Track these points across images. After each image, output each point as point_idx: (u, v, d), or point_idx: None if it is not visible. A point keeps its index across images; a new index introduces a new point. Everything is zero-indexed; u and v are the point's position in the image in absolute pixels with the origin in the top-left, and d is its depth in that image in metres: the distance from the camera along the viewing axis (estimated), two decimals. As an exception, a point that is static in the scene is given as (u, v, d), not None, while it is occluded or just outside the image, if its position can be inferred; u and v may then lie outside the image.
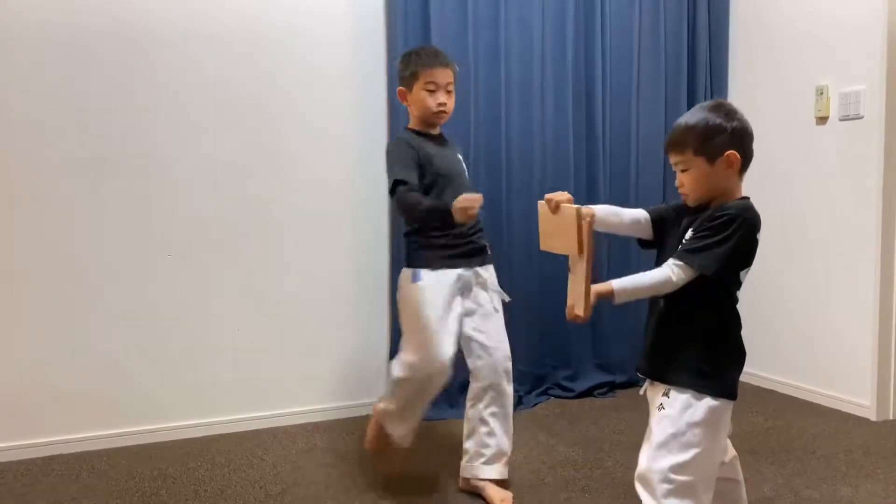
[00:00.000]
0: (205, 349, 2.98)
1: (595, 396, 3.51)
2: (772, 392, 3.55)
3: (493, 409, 2.36)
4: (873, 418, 3.13)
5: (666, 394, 1.61)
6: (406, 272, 2.35)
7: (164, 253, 2.90)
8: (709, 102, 1.68)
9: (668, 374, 1.62)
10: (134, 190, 2.84)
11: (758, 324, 3.50)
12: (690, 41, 3.76)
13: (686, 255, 1.56)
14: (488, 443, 2.35)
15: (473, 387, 2.38)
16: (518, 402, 3.32)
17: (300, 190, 3.11)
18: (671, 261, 1.57)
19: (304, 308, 3.14)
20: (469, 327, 2.35)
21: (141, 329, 2.88)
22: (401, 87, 2.38)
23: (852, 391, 3.24)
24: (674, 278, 1.55)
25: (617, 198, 3.60)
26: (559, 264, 3.54)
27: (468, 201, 2.11)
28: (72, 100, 2.74)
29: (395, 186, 2.24)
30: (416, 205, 2.21)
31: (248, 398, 3.07)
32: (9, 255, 2.69)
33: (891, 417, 3.15)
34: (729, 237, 1.54)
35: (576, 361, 3.58)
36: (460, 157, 2.46)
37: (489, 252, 2.43)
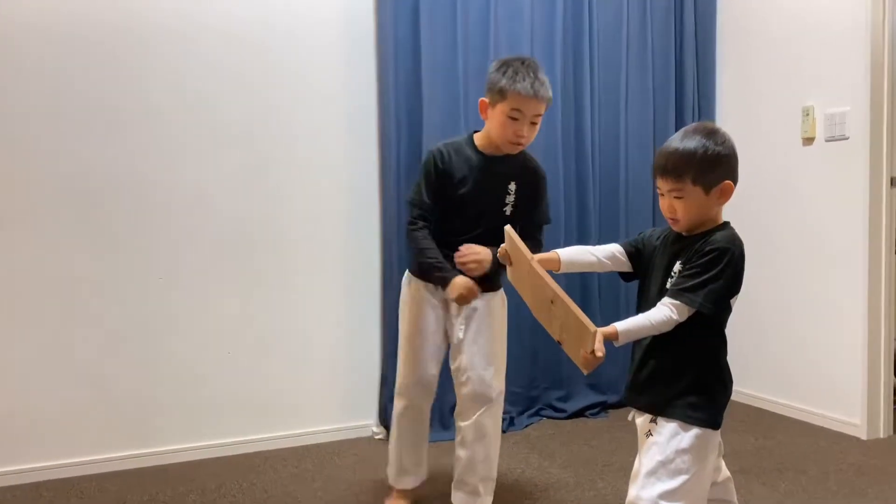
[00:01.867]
0: (196, 372, 2.97)
1: (587, 416, 3.51)
2: (762, 411, 3.55)
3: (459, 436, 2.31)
4: (864, 437, 3.14)
5: (654, 420, 1.61)
6: (406, 275, 2.36)
7: (156, 276, 2.90)
8: (700, 126, 1.62)
9: (656, 406, 1.62)
10: (125, 212, 2.84)
11: (747, 342, 3.52)
12: (678, 65, 3.81)
13: (683, 294, 1.54)
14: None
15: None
16: (510, 423, 3.32)
17: (291, 212, 3.11)
18: (668, 300, 1.56)
19: (294, 331, 3.14)
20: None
21: (131, 352, 2.87)
22: (484, 99, 2.16)
23: (843, 410, 3.25)
24: (675, 317, 1.54)
25: (607, 220, 3.62)
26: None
27: (466, 290, 2.10)
28: (63, 120, 2.74)
29: (410, 209, 2.25)
30: (418, 251, 2.19)
31: (239, 421, 3.05)
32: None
33: (881, 436, 3.16)
34: (722, 272, 1.53)
35: (567, 382, 3.58)
36: (512, 189, 2.21)
37: (491, 280, 2.25)
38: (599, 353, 1.43)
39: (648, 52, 3.71)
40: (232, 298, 3.02)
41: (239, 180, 3.02)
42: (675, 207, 1.60)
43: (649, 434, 1.60)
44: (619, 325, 1.54)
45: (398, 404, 2.38)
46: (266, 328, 3.09)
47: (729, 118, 3.76)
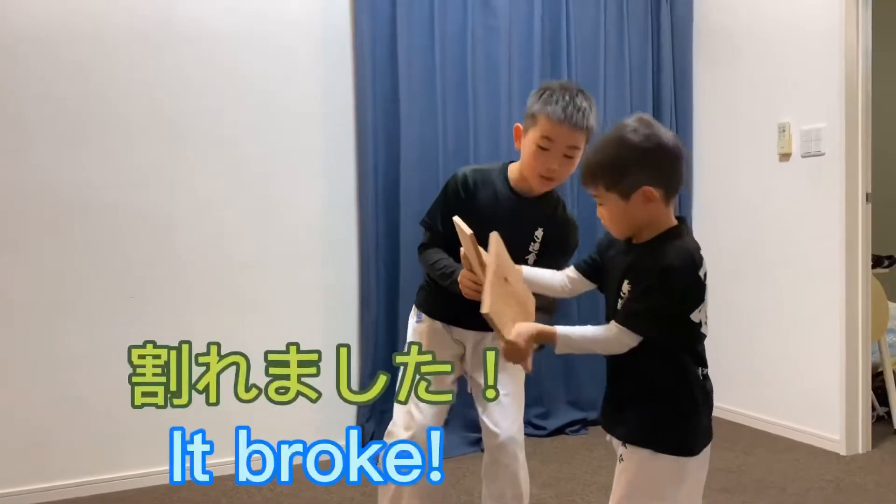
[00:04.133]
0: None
1: (567, 434, 3.48)
2: (743, 427, 3.55)
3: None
4: (843, 452, 3.14)
5: (625, 445, 1.52)
6: (413, 310, 2.14)
7: (126, 295, 2.84)
8: (628, 121, 1.48)
9: (624, 430, 1.52)
10: (99, 232, 2.79)
11: (727, 358, 3.51)
12: (655, 83, 3.83)
13: (629, 319, 1.44)
14: None
15: None
16: (490, 442, 3.28)
17: (266, 231, 3.06)
18: (614, 324, 1.46)
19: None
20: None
21: (100, 373, 2.80)
22: (519, 125, 1.91)
23: (822, 425, 3.25)
24: (626, 341, 1.45)
25: (584, 233, 3.60)
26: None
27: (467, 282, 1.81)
28: (34, 142, 2.69)
29: (424, 232, 2.05)
30: (430, 266, 1.99)
31: (213, 444, 2.97)
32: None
33: (860, 451, 3.16)
34: (671, 292, 1.42)
35: (547, 399, 3.55)
36: (539, 236, 1.95)
37: None
38: (520, 345, 1.42)
39: (626, 73, 3.73)
40: (203, 317, 2.95)
41: (218, 199, 2.98)
42: (602, 214, 1.52)
43: (621, 459, 1.53)
44: (561, 329, 1.46)
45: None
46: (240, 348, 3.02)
47: (706, 135, 3.77)
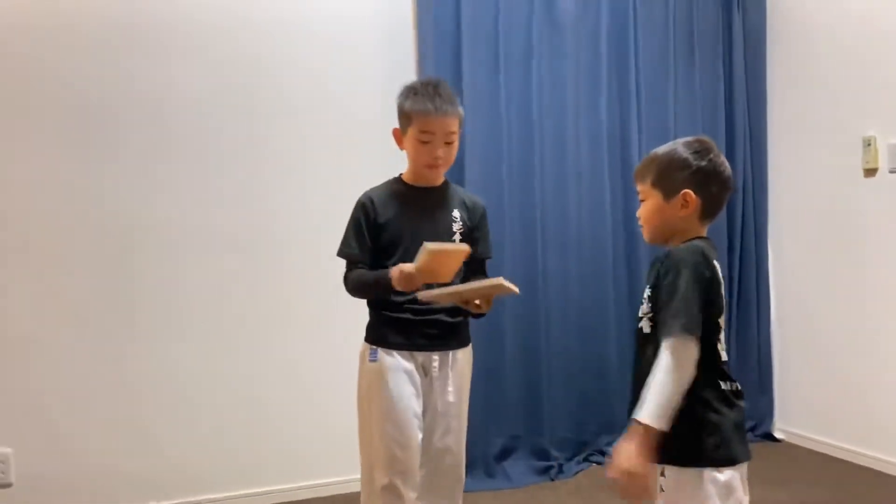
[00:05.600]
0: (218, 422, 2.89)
1: (640, 463, 3.33)
2: (832, 458, 3.31)
3: None
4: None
5: (662, 472, 1.44)
6: (363, 347, 2.03)
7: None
8: (690, 137, 1.58)
9: (656, 451, 1.41)
10: (134, 251, 2.79)
11: (813, 385, 3.33)
12: (727, 93, 3.69)
13: (666, 330, 1.40)
14: None
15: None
16: (559, 471, 3.18)
17: (328, 245, 3.02)
18: (664, 344, 1.40)
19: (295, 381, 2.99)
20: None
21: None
22: (397, 128, 2.03)
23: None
24: (686, 351, 1.37)
25: (659, 248, 3.48)
26: (599, 322, 3.41)
27: (403, 274, 1.82)
28: (85, 168, 2.74)
29: (345, 263, 2.02)
30: (358, 284, 1.96)
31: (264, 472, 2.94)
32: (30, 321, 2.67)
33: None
34: (686, 285, 1.41)
35: (619, 426, 3.41)
36: (458, 216, 2.03)
37: (468, 330, 2.06)
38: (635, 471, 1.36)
39: (695, 87, 3.61)
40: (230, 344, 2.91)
41: (279, 213, 2.97)
42: (640, 212, 1.60)
43: (661, 490, 1.44)
44: (643, 413, 1.37)
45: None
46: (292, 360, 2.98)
47: (782, 149, 3.61)
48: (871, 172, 3.20)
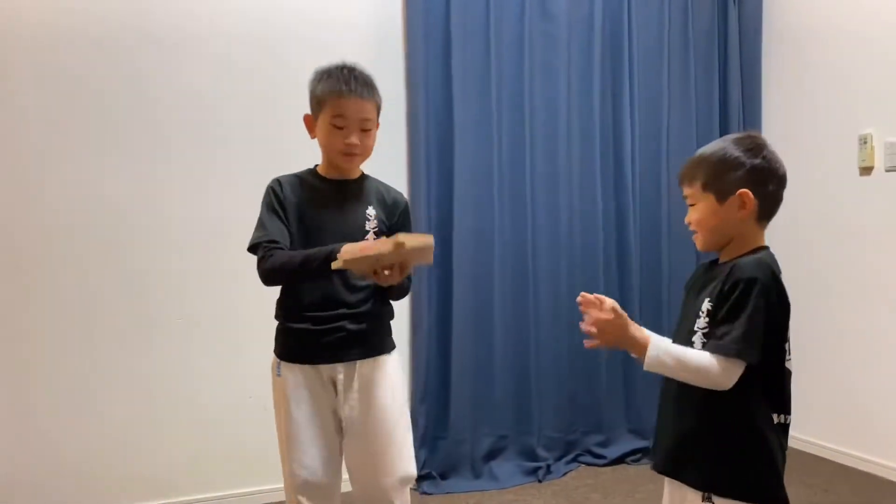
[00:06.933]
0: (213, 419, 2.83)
1: (628, 463, 3.28)
2: (822, 460, 3.27)
3: None
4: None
5: (708, 499, 1.34)
6: (273, 361, 1.87)
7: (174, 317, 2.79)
8: (739, 133, 1.49)
9: (698, 476, 1.34)
10: (143, 253, 2.75)
11: (807, 385, 3.26)
12: (722, 88, 3.62)
13: (723, 346, 1.31)
14: None
15: None
16: (547, 471, 3.12)
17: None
18: (719, 356, 1.32)
19: None
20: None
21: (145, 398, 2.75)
22: (308, 114, 1.88)
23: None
24: (732, 373, 1.30)
25: (648, 256, 3.44)
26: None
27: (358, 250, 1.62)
28: (76, 161, 2.67)
29: (255, 251, 1.79)
30: (297, 263, 1.72)
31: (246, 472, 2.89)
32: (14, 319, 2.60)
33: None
34: (755, 309, 1.30)
35: (608, 426, 3.36)
36: (372, 214, 1.86)
37: (380, 337, 1.88)
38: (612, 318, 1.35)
39: (691, 80, 3.54)
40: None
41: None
42: (690, 217, 1.47)
43: None
44: (657, 339, 1.34)
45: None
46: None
47: (776, 147, 3.54)
48: (867, 171, 3.16)
